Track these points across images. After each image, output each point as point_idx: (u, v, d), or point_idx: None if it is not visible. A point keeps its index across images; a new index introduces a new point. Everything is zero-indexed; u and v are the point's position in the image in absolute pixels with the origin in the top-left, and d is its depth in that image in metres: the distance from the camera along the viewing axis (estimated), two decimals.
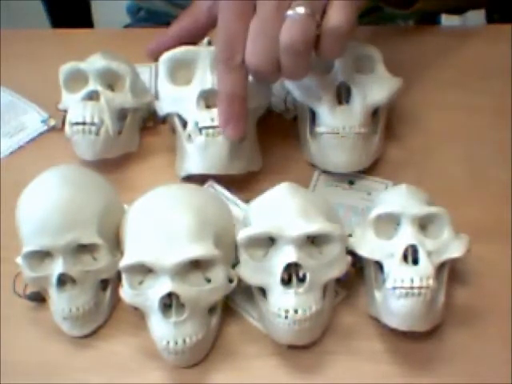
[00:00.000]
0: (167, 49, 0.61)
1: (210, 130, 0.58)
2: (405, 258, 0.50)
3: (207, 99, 0.60)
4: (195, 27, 0.57)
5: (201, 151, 0.58)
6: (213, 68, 0.59)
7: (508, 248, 0.57)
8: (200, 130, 0.58)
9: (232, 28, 0.54)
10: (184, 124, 0.61)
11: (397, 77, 0.62)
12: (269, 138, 0.65)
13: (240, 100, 0.56)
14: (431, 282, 0.49)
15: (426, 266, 0.49)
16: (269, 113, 0.66)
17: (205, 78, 0.60)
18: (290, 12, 0.51)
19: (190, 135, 0.59)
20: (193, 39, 0.58)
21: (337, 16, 0.52)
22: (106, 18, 1.12)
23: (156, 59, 0.59)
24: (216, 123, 0.58)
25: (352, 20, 0.53)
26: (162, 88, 0.63)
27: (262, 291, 0.52)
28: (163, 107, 0.63)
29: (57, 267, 0.52)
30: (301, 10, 0.51)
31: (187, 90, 0.60)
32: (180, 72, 0.62)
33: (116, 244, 0.55)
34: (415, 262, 0.50)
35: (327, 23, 0.52)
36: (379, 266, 0.52)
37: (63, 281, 0.52)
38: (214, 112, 0.58)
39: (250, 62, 0.54)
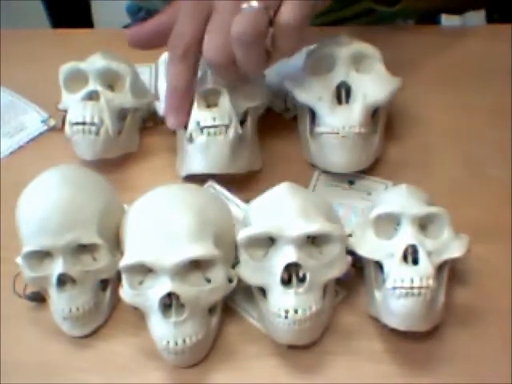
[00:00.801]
0: (143, 39, 0.61)
1: (212, 130, 0.58)
2: (405, 257, 0.50)
3: (207, 99, 0.60)
4: (170, 25, 0.58)
5: (202, 150, 0.58)
6: (212, 68, 0.60)
7: (508, 248, 0.57)
8: (201, 129, 0.58)
9: (181, 22, 0.56)
10: None
11: (397, 77, 0.62)
12: (269, 137, 0.65)
13: (180, 92, 0.58)
14: (431, 282, 0.49)
15: (425, 266, 0.49)
16: (269, 113, 0.66)
17: (204, 77, 0.60)
18: (244, 5, 0.53)
19: (191, 135, 0.59)
20: (167, 37, 0.59)
21: (288, 12, 0.53)
22: (106, 18, 1.12)
23: (134, 47, 0.60)
24: (217, 122, 0.58)
25: (303, 17, 0.54)
26: (162, 88, 0.63)
27: (262, 291, 0.52)
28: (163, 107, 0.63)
29: (57, 267, 0.52)
30: (254, 3, 0.53)
31: None
32: None
33: (116, 244, 0.55)
34: (415, 261, 0.50)
35: (278, 19, 0.54)
36: (379, 265, 0.52)
37: (63, 281, 0.52)
38: (215, 111, 0.58)
39: (207, 56, 0.55)
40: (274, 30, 0.54)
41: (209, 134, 0.58)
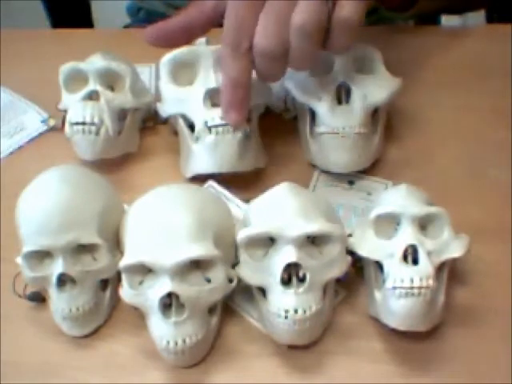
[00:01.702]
0: (168, 35, 0.59)
1: (220, 128, 0.58)
2: (405, 257, 0.50)
3: (213, 98, 0.60)
4: (200, 19, 0.57)
5: (211, 150, 0.59)
6: (216, 67, 0.60)
7: (508, 248, 0.57)
8: (209, 128, 0.58)
9: (240, 14, 0.54)
10: (189, 124, 0.61)
11: (397, 77, 0.62)
12: (269, 137, 0.65)
13: (244, 87, 0.56)
14: (431, 282, 0.49)
15: (425, 266, 0.49)
16: (269, 113, 0.66)
17: (209, 77, 0.60)
18: None
19: (198, 135, 0.59)
20: (196, 31, 0.58)
21: (348, 7, 0.52)
22: (106, 18, 1.12)
23: (155, 44, 0.59)
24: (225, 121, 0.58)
25: (362, 13, 0.53)
26: (164, 89, 0.62)
27: (262, 291, 0.52)
28: (166, 109, 0.63)
29: (57, 267, 0.52)
30: None
31: (191, 90, 0.60)
32: (181, 73, 0.62)
33: (116, 244, 0.55)
34: (415, 261, 0.50)
35: (339, 13, 0.53)
36: (379, 265, 0.52)
37: (63, 281, 0.52)
38: None
39: (260, 44, 0.53)
40: (331, 25, 0.53)
41: (217, 133, 0.58)
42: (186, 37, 0.58)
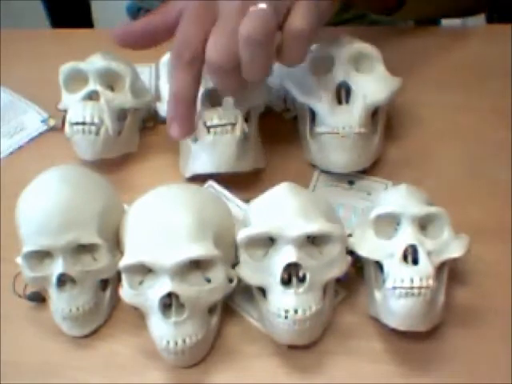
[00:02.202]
0: (132, 39, 0.58)
1: (218, 129, 0.58)
2: (405, 257, 0.50)
3: (212, 98, 0.60)
4: (163, 25, 0.57)
5: (209, 150, 0.59)
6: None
7: (508, 248, 0.57)
8: (208, 128, 0.58)
9: (187, 28, 0.54)
10: None
11: (397, 77, 0.62)
12: (269, 137, 0.65)
13: (185, 101, 0.55)
14: (431, 282, 0.49)
15: (425, 266, 0.49)
16: (269, 113, 0.66)
17: (207, 77, 0.60)
18: (252, 8, 0.51)
19: (197, 135, 0.59)
20: (159, 37, 0.58)
21: (299, 19, 0.52)
22: (106, 18, 1.12)
23: (121, 45, 0.58)
24: (224, 121, 0.58)
25: (314, 24, 0.52)
26: (164, 89, 0.63)
27: (262, 291, 0.52)
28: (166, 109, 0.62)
29: (57, 267, 0.52)
30: (263, 5, 0.51)
31: None
32: None
33: (116, 244, 0.55)
34: (415, 261, 0.50)
35: (289, 25, 0.52)
36: (379, 265, 0.52)
37: (63, 281, 0.52)
38: (221, 110, 0.59)
39: (210, 58, 0.53)
40: (282, 36, 0.52)
41: (215, 133, 0.58)
42: (150, 41, 0.58)
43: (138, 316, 0.53)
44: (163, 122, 0.65)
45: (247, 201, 0.58)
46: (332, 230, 0.51)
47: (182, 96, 0.55)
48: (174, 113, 0.56)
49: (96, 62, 0.63)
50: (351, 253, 0.53)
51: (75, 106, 0.61)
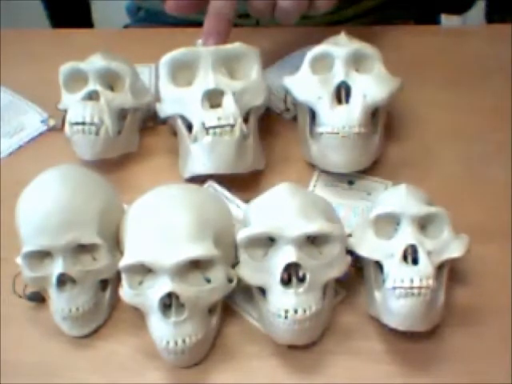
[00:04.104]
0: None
1: (218, 130, 0.58)
2: (405, 257, 0.50)
3: (211, 99, 0.60)
4: None
5: (208, 151, 0.59)
6: (214, 68, 0.60)
7: (508, 248, 0.57)
8: (207, 129, 0.58)
9: None
10: (188, 125, 0.61)
11: (397, 77, 0.62)
12: (269, 138, 0.65)
13: (226, 19, 0.61)
14: (431, 282, 0.49)
15: (425, 266, 0.49)
16: (269, 113, 0.66)
17: (207, 78, 0.60)
18: None
19: (196, 136, 0.59)
20: None
21: None
22: (106, 17, 1.12)
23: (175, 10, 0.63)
24: (223, 122, 0.58)
25: None
26: (163, 90, 0.62)
27: (262, 291, 0.52)
28: (165, 109, 0.63)
29: (57, 267, 0.52)
30: None
31: (190, 91, 0.60)
32: (181, 73, 0.62)
33: (116, 244, 0.55)
34: (415, 261, 0.50)
35: None
36: (379, 265, 0.52)
37: (63, 281, 0.52)
38: (220, 111, 0.58)
39: None
40: None
41: (214, 134, 0.58)
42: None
43: (138, 316, 0.53)
44: (163, 122, 0.66)
45: (247, 201, 0.58)
46: (332, 229, 0.51)
47: (223, 15, 0.61)
48: (215, 28, 0.61)
49: (96, 62, 0.63)
50: (351, 253, 0.53)
51: (75, 106, 0.61)
